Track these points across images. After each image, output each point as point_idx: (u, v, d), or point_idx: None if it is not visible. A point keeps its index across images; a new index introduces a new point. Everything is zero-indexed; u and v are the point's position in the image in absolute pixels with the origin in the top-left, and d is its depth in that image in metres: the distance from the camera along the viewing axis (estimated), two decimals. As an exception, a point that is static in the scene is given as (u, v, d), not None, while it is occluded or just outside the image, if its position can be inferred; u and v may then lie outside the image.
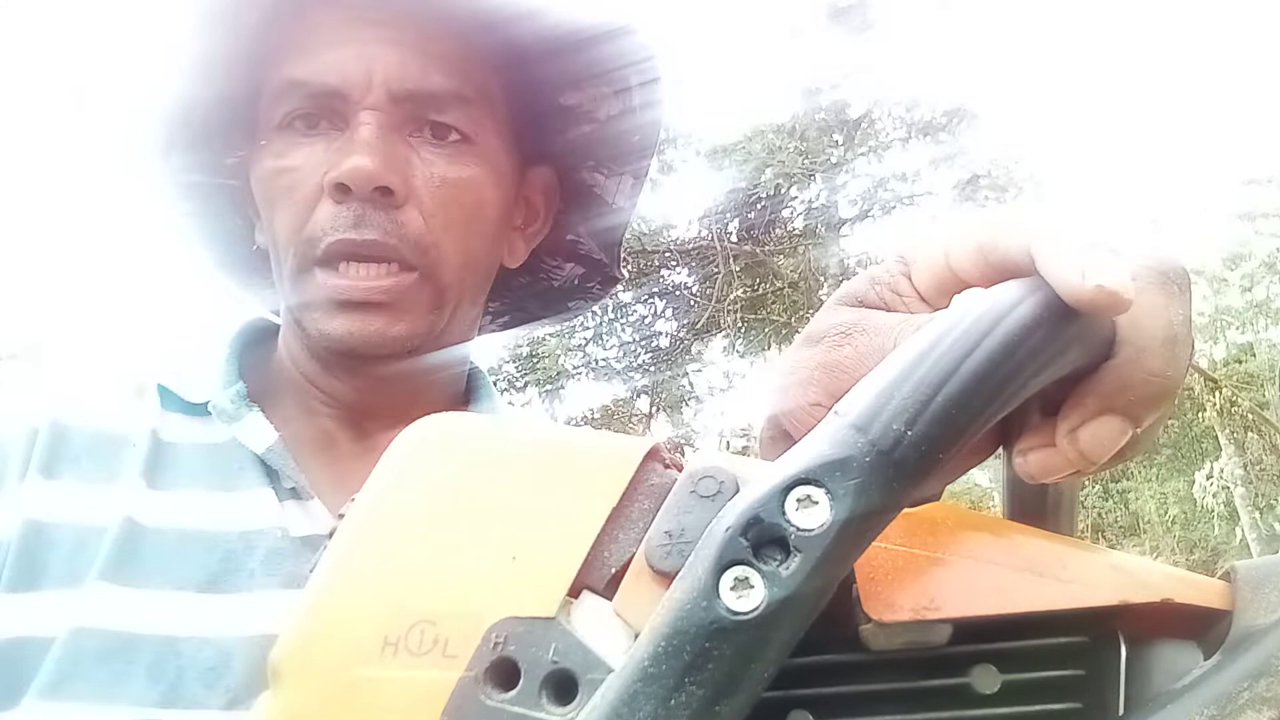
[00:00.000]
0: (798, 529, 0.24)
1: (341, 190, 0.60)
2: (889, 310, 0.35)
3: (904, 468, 0.24)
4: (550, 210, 0.74)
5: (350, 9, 0.62)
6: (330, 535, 0.31)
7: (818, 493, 0.24)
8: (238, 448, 0.64)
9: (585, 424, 8.50)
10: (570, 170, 0.74)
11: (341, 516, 0.31)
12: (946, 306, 0.33)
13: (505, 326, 0.85)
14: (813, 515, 0.24)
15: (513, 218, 0.71)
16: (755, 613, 0.24)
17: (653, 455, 0.30)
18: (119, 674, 0.54)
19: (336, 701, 0.28)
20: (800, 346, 0.36)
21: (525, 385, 8.22)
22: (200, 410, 0.66)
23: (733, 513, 0.25)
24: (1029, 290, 0.27)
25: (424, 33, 0.62)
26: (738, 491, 0.27)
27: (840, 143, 8.39)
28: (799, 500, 0.24)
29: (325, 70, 0.61)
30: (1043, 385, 0.27)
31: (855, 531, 0.24)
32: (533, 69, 0.67)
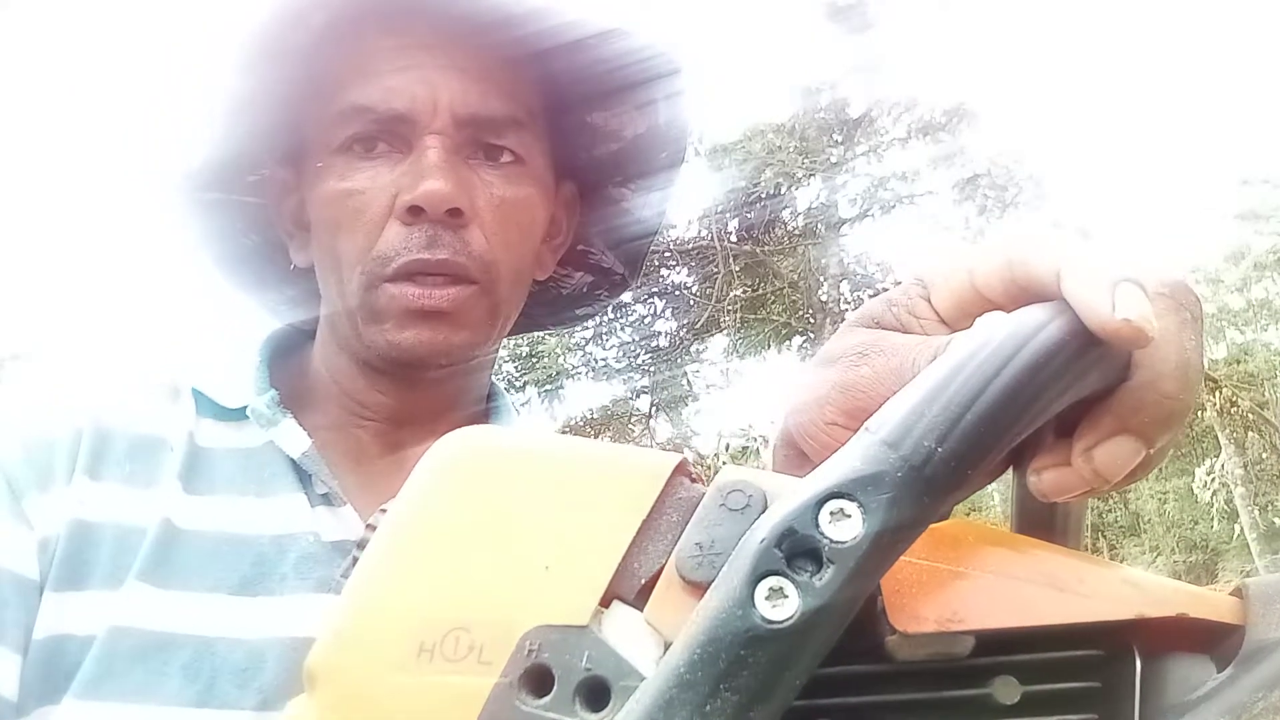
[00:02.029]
0: (831, 541, 0.25)
1: (414, 213, 0.61)
2: (905, 332, 0.35)
3: (934, 483, 0.25)
4: (572, 224, 0.76)
5: (404, 36, 0.63)
6: (360, 542, 0.32)
7: (850, 506, 0.25)
8: (272, 453, 0.65)
9: (585, 424, 8.49)
10: (596, 185, 0.75)
11: (370, 526, 0.32)
12: (966, 328, 0.34)
13: (511, 333, 0.86)
14: (846, 528, 0.25)
15: (548, 233, 0.72)
16: (790, 622, 0.24)
17: (680, 470, 0.31)
18: (154, 673, 0.55)
19: (372, 706, 0.28)
20: (817, 367, 0.36)
21: (525, 385, 8.21)
22: (234, 415, 0.67)
23: (767, 525, 0.25)
24: (1053, 315, 0.28)
25: (479, 57, 0.64)
26: (766, 505, 0.27)
27: (840, 142, 8.38)
28: (832, 513, 0.25)
29: (392, 96, 0.62)
30: (1064, 406, 0.28)
31: (887, 544, 0.25)
32: (569, 88, 0.68)
